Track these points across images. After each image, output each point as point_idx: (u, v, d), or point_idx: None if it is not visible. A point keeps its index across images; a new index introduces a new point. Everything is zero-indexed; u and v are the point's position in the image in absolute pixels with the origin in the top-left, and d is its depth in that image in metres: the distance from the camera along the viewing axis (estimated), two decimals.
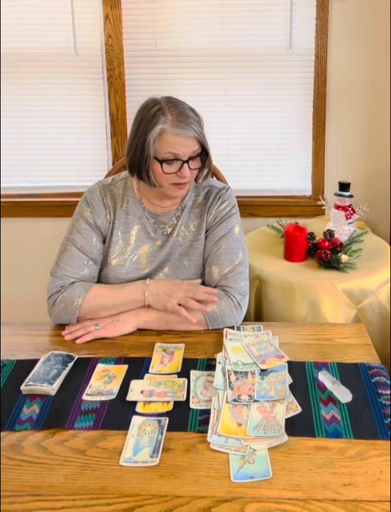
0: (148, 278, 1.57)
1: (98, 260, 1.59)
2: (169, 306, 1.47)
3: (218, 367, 1.31)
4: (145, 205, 1.60)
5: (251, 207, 2.58)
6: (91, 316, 1.51)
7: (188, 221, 1.61)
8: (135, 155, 1.48)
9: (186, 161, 1.46)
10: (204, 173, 1.56)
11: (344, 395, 1.23)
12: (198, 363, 1.36)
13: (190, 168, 1.47)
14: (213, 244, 1.58)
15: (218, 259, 1.57)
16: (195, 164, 1.50)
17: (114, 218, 1.58)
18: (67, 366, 1.34)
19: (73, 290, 1.51)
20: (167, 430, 1.14)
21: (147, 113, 1.46)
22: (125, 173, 1.63)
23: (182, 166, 1.46)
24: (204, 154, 1.50)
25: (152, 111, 1.45)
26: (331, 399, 1.23)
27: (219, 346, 1.42)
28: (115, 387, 1.28)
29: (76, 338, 1.47)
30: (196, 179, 1.58)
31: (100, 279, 1.62)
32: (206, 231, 1.60)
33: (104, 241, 1.60)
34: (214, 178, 2.09)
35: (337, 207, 2.20)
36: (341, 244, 2.07)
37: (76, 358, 1.38)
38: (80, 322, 1.51)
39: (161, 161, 1.45)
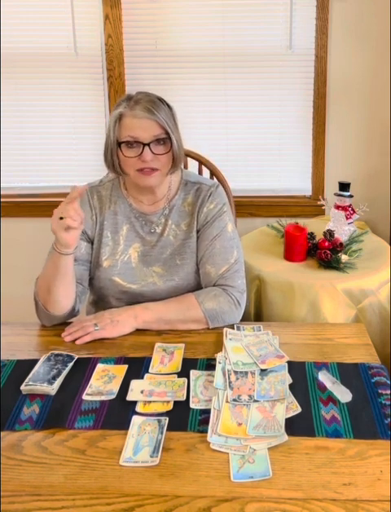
0: (139, 279, 1.58)
1: (83, 259, 1.58)
2: (54, 226, 1.40)
3: (218, 367, 1.31)
4: (133, 204, 1.60)
5: (251, 207, 2.58)
6: (46, 292, 1.48)
7: (179, 219, 1.60)
8: (105, 145, 1.51)
9: (148, 144, 1.44)
10: (174, 162, 1.51)
11: (344, 394, 1.23)
12: (198, 363, 1.36)
13: (153, 152, 1.45)
14: (208, 244, 1.57)
15: (214, 259, 1.56)
16: (160, 149, 1.47)
17: (102, 219, 1.59)
18: (67, 366, 1.34)
19: (35, 288, 1.54)
20: (167, 430, 1.14)
21: (116, 104, 1.50)
22: (113, 175, 1.62)
23: (143, 150, 1.44)
24: (170, 140, 1.47)
25: (119, 101, 1.49)
26: (331, 399, 1.23)
27: (219, 345, 1.42)
28: (115, 387, 1.28)
29: (76, 339, 1.47)
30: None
31: (94, 281, 1.62)
32: (198, 231, 1.59)
33: (92, 243, 1.60)
34: (214, 178, 2.10)
35: (337, 207, 2.20)
36: (341, 244, 2.07)
37: (76, 358, 1.38)
38: (78, 322, 1.51)
39: (120, 144, 1.46)
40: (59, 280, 1.46)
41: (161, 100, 1.48)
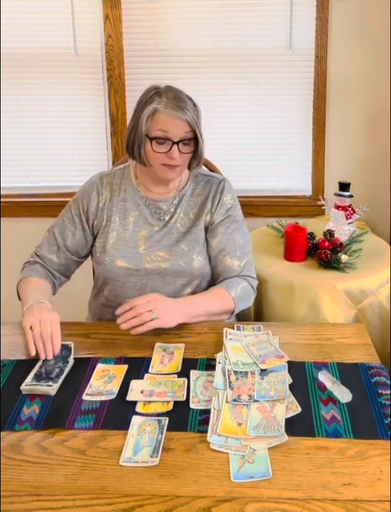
0: (145, 262, 1.60)
1: (74, 251, 1.66)
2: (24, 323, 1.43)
3: (218, 367, 1.31)
4: (142, 192, 1.64)
5: (251, 207, 2.57)
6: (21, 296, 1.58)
7: (188, 209, 1.65)
8: (130, 133, 1.55)
9: (177, 143, 1.49)
10: (197, 161, 1.59)
11: (344, 394, 1.23)
12: (198, 363, 1.36)
13: (180, 151, 1.51)
14: (228, 237, 1.63)
15: (236, 252, 1.64)
16: (186, 148, 1.53)
17: (111, 206, 1.63)
18: (66, 365, 1.34)
19: (24, 271, 1.67)
20: (167, 430, 1.14)
21: (144, 96, 1.53)
22: (123, 164, 1.71)
23: (172, 147, 1.49)
24: (196, 140, 1.53)
25: (149, 93, 1.52)
26: (331, 399, 1.23)
27: (219, 346, 1.42)
28: (115, 387, 1.28)
29: (131, 329, 1.40)
30: (190, 167, 1.62)
31: (99, 266, 1.63)
32: (211, 222, 1.63)
33: (93, 231, 1.65)
34: None
35: (337, 207, 2.20)
36: (341, 244, 2.07)
37: (72, 345, 1.40)
38: (134, 307, 1.41)
39: (152, 139, 1.50)
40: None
41: (189, 98, 1.54)
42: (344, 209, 2.18)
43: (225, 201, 1.64)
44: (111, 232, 1.62)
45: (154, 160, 1.53)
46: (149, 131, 1.51)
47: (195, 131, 1.51)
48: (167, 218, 1.63)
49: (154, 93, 1.51)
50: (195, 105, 1.54)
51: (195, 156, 1.58)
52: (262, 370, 1.31)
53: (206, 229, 1.64)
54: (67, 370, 1.33)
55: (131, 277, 1.61)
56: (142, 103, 1.52)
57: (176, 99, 1.50)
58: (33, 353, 1.36)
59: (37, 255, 1.68)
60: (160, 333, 1.49)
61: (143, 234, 1.62)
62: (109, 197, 1.64)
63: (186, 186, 1.66)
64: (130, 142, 1.56)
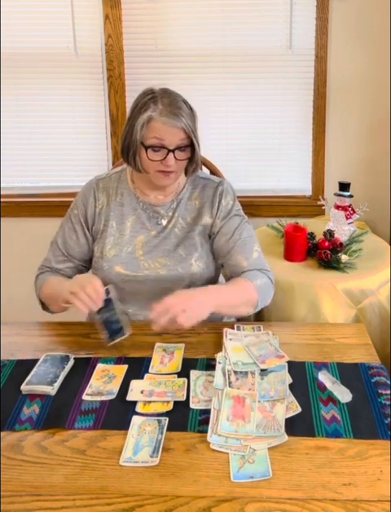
0: (142, 268, 1.58)
1: (80, 259, 1.65)
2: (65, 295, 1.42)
3: (218, 367, 1.31)
4: (139, 196, 1.62)
5: (251, 207, 2.57)
6: (51, 302, 1.58)
7: (185, 213, 1.63)
8: (125, 139, 1.53)
9: (173, 151, 1.48)
10: (193, 166, 1.58)
11: (344, 394, 1.23)
12: (198, 363, 1.37)
13: (176, 158, 1.49)
14: (231, 237, 1.59)
15: (243, 248, 1.58)
16: (182, 155, 1.51)
17: (109, 211, 1.62)
18: (66, 365, 1.34)
19: (38, 280, 1.64)
20: (167, 430, 1.14)
21: (140, 100, 1.51)
22: (120, 167, 1.69)
23: (167, 155, 1.48)
24: (192, 146, 1.52)
25: (145, 99, 1.49)
26: (331, 399, 1.23)
27: (219, 345, 1.42)
28: (115, 387, 1.28)
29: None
30: (186, 172, 1.60)
31: (97, 272, 1.62)
32: (211, 225, 1.61)
33: (93, 235, 1.63)
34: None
35: (337, 207, 2.20)
36: (341, 244, 2.07)
37: (72, 357, 1.38)
38: (164, 308, 1.34)
39: (147, 148, 1.49)
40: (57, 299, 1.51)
41: (185, 102, 1.51)
42: (344, 209, 2.18)
43: (225, 205, 1.61)
44: (108, 237, 1.60)
45: (149, 167, 1.52)
46: (144, 139, 1.49)
47: (190, 137, 1.50)
48: (165, 223, 1.62)
49: (149, 98, 1.48)
50: (191, 109, 1.52)
51: (192, 162, 1.56)
52: (262, 370, 1.31)
53: (209, 234, 1.62)
54: (66, 371, 1.33)
55: (129, 283, 1.59)
56: (137, 109, 1.50)
57: (171, 105, 1.47)
58: (86, 311, 1.37)
59: (47, 267, 1.66)
60: (161, 333, 1.49)
61: (141, 239, 1.61)
62: (106, 202, 1.62)
63: (183, 189, 1.64)
64: (125, 148, 1.54)
